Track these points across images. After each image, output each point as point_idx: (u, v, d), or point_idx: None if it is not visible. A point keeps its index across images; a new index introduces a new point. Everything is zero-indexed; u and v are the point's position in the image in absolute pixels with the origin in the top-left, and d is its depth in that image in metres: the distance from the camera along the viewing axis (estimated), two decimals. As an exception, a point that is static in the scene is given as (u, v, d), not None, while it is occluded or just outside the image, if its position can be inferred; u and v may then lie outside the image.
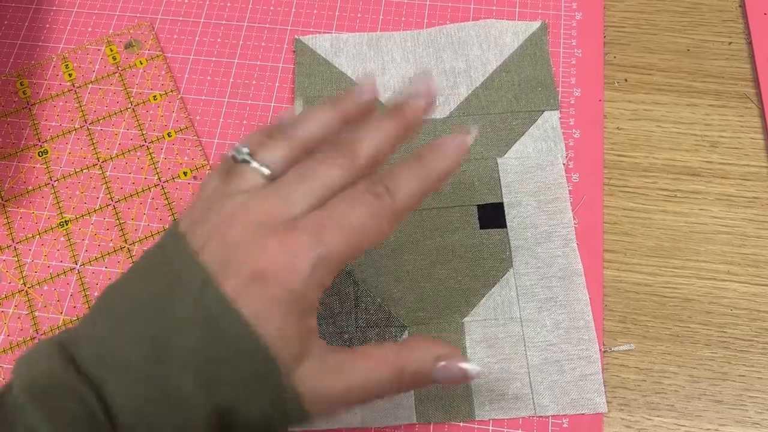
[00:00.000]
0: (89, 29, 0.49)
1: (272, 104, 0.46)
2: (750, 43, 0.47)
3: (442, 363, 0.30)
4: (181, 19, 0.50)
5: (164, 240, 0.29)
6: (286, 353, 0.27)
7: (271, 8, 0.50)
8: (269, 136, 0.30)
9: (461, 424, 0.38)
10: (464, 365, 0.30)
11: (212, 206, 0.28)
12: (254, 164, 0.29)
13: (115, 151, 0.45)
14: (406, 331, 0.40)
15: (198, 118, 0.46)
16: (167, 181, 0.44)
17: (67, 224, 0.43)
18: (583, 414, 0.38)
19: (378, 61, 0.47)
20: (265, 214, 0.27)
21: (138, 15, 0.50)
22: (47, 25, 0.50)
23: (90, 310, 0.29)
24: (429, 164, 0.30)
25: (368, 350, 0.30)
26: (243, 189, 0.29)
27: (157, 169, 0.45)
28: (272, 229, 0.27)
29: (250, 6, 0.50)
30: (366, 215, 0.28)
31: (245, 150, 0.29)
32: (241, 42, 0.49)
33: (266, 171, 0.29)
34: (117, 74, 0.48)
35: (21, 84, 0.48)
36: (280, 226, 0.27)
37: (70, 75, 0.48)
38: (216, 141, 0.45)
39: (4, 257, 0.43)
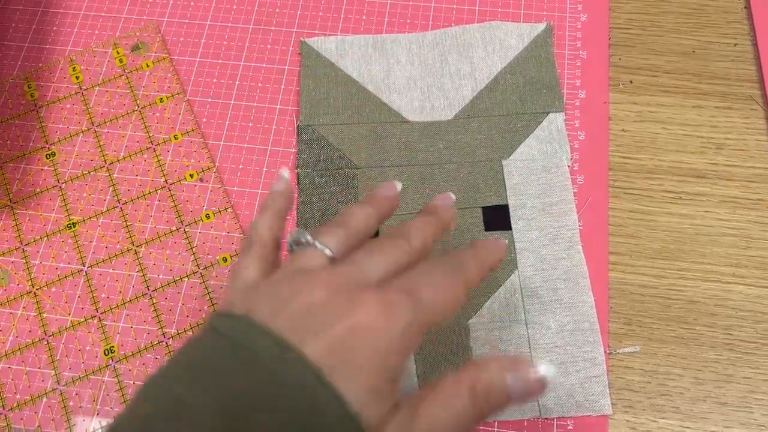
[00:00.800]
0: (96, 32, 0.50)
1: (278, 106, 0.47)
2: (755, 45, 0.47)
3: (514, 373, 0.27)
4: (187, 21, 0.50)
5: (214, 323, 0.26)
6: (375, 417, 0.25)
7: (277, 11, 0.50)
8: (326, 227, 0.30)
9: (466, 425, 0.38)
10: (538, 369, 0.27)
11: (275, 282, 0.27)
12: (318, 245, 0.28)
13: (122, 154, 0.46)
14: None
15: (204, 120, 0.46)
16: (174, 183, 0.45)
17: (74, 226, 0.44)
18: (588, 416, 0.38)
19: (383, 63, 0.47)
20: (344, 279, 0.27)
21: (144, 18, 0.50)
22: (54, 28, 0.50)
23: (130, 404, 0.25)
24: (484, 257, 0.32)
25: (442, 382, 0.27)
26: (309, 266, 0.28)
27: (164, 171, 0.45)
28: (358, 291, 0.26)
29: (255, 8, 0.50)
30: (448, 279, 0.28)
31: (307, 235, 0.29)
32: (246, 44, 0.49)
33: (329, 252, 0.28)
34: (124, 77, 0.48)
35: (28, 87, 0.48)
36: (365, 287, 0.26)
37: (77, 77, 0.48)
38: (222, 143, 0.46)
39: (12, 259, 0.43)
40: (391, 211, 0.33)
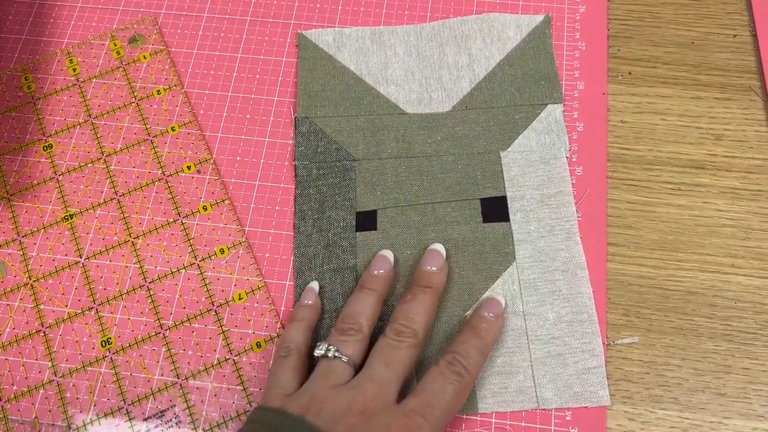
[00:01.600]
0: (93, 24, 0.50)
1: (275, 98, 0.46)
2: (755, 36, 0.47)
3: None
4: (184, 13, 0.50)
5: (268, 418, 0.34)
6: None
7: (274, 2, 0.50)
8: (343, 333, 0.37)
9: (464, 416, 0.38)
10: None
11: (324, 397, 0.34)
12: (344, 358, 0.36)
13: (119, 145, 0.45)
14: (409, 325, 0.40)
15: (201, 112, 0.46)
16: (171, 174, 0.44)
17: (71, 218, 0.44)
18: (586, 407, 0.38)
19: (381, 55, 0.47)
20: (373, 402, 0.33)
21: (142, 9, 0.50)
22: (51, 21, 0.50)
23: None
24: (486, 337, 0.37)
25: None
26: (338, 381, 0.35)
27: (161, 163, 0.45)
28: (387, 415, 0.33)
29: (253, 0, 0.50)
30: (455, 392, 0.35)
31: (333, 348, 0.36)
32: (244, 36, 0.49)
33: (349, 363, 0.36)
34: (121, 69, 0.48)
35: (26, 79, 0.48)
36: (393, 411, 0.33)
37: (74, 70, 0.48)
38: (219, 135, 0.46)
39: (9, 251, 0.43)
40: (391, 286, 0.40)
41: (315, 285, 0.41)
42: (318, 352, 0.36)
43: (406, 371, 0.36)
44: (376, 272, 0.39)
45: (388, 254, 0.40)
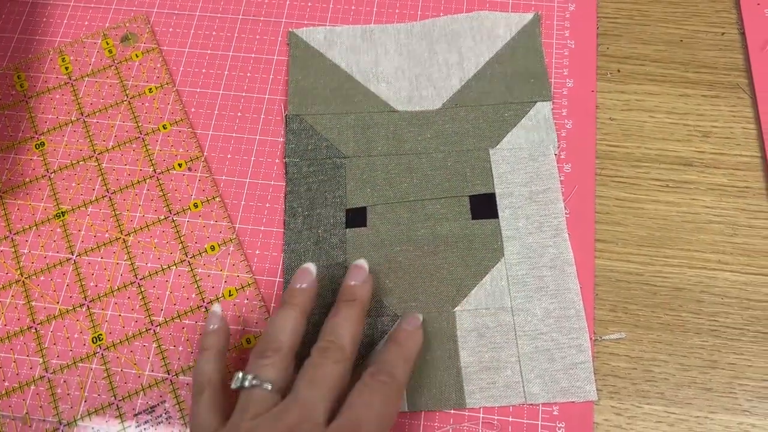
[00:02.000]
0: (86, 23, 0.50)
1: (266, 96, 0.47)
2: (743, 34, 0.47)
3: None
4: (176, 12, 0.50)
5: None
6: None
7: (266, 1, 0.50)
8: (261, 356, 0.34)
9: (452, 411, 0.38)
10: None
11: (246, 430, 0.32)
12: (263, 385, 0.33)
13: (111, 143, 0.46)
14: (398, 321, 0.40)
15: (193, 110, 0.47)
16: (162, 172, 0.45)
17: (63, 215, 0.44)
18: (573, 402, 0.38)
19: (371, 53, 0.48)
20: (300, 426, 0.31)
21: (134, 8, 0.50)
22: (44, 19, 0.50)
23: None
24: (406, 344, 0.37)
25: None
26: (260, 410, 0.32)
27: (153, 161, 0.45)
28: None
29: (244, -1, 0.50)
30: (382, 401, 0.33)
31: (249, 377, 0.33)
32: (235, 35, 0.49)
33: (270, 387, 0.33)
34: (113, 67, 0.48)
35: (18, 77, 0.48)
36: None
37: (66, 68, 0.48)
38: (210, 133, 0.46)
39: (1, 248, 0.43)
40: (315, 299, 0.38)
41: (217, 308, 0.39)
42: (234, 385, 0.34)
43: (335, 389, 0.34)
44: (297, 286, 0.37)
45: (311, 266, 0.38)
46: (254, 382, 0.33)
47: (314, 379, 0.33)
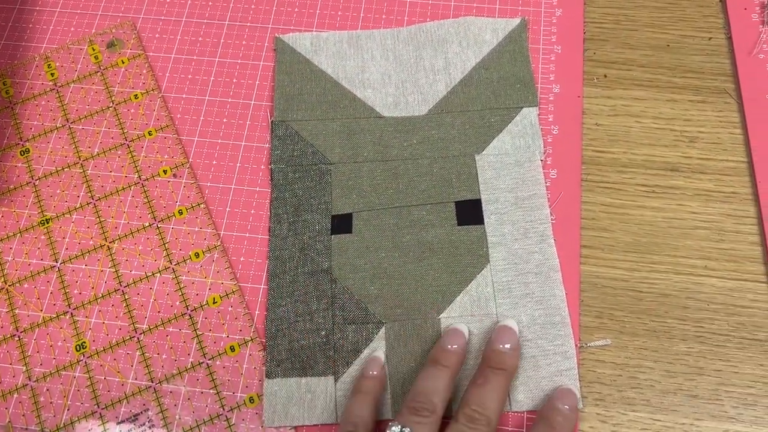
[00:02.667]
0: (72, 29, 0.50)
1: (252, 102, 0.47)
2: (730, 39, 0.47)
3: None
4: (163, 18, 0.50)
5: None
6: None
7: (253, 7, 0.50)
8: (417, 413, 0.35)
9: (436, 419, 0.38)
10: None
11: None
12: None
13: (96, 150, 0.46)
14: (383, 328, 0.40)
15: (179, 116, 0.46)
16: (147, 179, 0.45)
17: (48, 222, 0.44)
18: (558, 409, 0.38)
19: (358, 59, 0.47)
20: None
21: (120, 14, 0.50)
22: (30, 25, 0.50)
23: None
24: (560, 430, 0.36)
25: None
26: None
27: (138, 167, 0.45)
28: None
29: (231, 5, 0.50)
30: None
31: (408, 430, 0.34)
32: (222, 40, 0.49)
33: None
34: (99, 73, 0.48)
35: (3, 84, 0.48)
36: None
37: (52, 74, 0.48)
38: (196, 139, 0.46)
39: (-15, 255, 0.43)
40: (463, 362, 0.38)
41: (380, 354, 0.39)
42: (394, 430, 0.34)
43: None
44: (449, 347, 0.37)
45: (463, 328, 0.39)
46: None
47: None
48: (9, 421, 0.39)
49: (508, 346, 0.37)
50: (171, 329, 0.41)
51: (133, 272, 0.42)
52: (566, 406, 0.36)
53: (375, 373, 0.38)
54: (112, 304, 0.41)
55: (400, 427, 0.34)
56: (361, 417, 0.36)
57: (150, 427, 0.38)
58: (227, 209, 0.44)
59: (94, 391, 0.39)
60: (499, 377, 0.36)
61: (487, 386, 0.35)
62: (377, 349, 0.39)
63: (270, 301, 0.41)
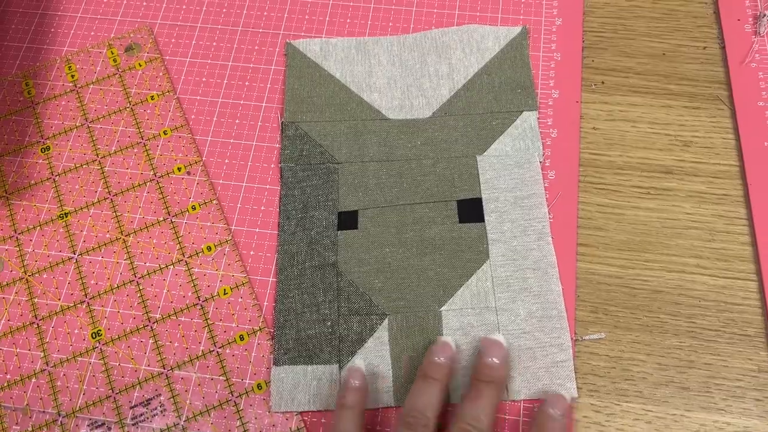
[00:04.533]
0: (92, 33, 0.52)
1: (263, 104, 0.49)
2: (723, 48, 0.49)
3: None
4: (179, 23, 0.52)
5: None
6: None
7: (265, 14, 0.52)
8: (410, 428, 0.36)
9: (437, 407, 0.40)
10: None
11: None
12: None
13: (113, 148, 0.48)
14: (386, 319, 0.42)
15: (193, 116, 0.49)
16: (162, 176, 0.46)
17: (66, 216, 0.46)
18: (554, 399, 0.39)
19: (365, 64, 0.49)
20: None
21: (138, 20, 0.52)
22: (52, 30, 0.52)
23: None
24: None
25: None
26: None
27: (153, 165, 0.47)
28: None
29: (244, 12, 0.52)
30: None
31: None
32: (235, 45, 0.51)
33: None
34: (117, 75, 0.50)
35: (26, 84, 0.50)
36: None
37: (72, 76, 0.50)
38: (209, 138, 0.48)
39: (6, 247, 0.45)
40: (452, 374, 0.39)
41: (360, 363, 0.40)
42: None
43: None
44: (437, 359, 0.38)
45: (450, 340, 0.39)
46: None
47: None
48: (27, 404, 0.41)
49: (497, 360, 0.38)
50: (183, 319, 0.42)
51: (147, 264, 0.44)
52: (558, 412, 0.37)
53: (357, 384, 0.38)
54: (127, 294, 0.43)
55: None
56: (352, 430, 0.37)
57: (162, 412, 0.40)
58: (238, 205, 0.45)
59: (108, 376, 0.41)
60: (491, 390, 0.37)
61: (479, 401, 0.36)
62: (357, 357, 0.41)
63: (278, 292, 0.43)
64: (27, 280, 0.44)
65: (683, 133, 0.47)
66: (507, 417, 0.39)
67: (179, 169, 0.47)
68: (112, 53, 0.51)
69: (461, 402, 0.37)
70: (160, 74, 0.50)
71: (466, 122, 0.47)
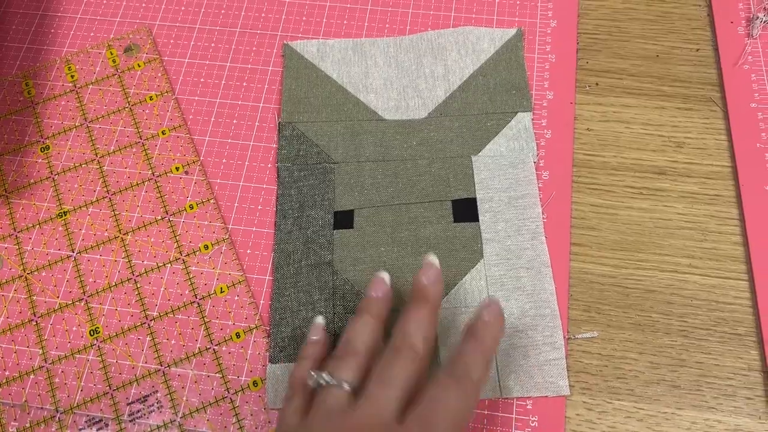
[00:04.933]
0: (91, 34, 0.52)
1: (261, 105, 0.49)
2: (716, 50, 0.49)
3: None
4: (177, 24, 0.53)
5: None
6: None
7: (263, 15, 0.52)
8: (339, 359, 0.35)
9: (430, 404, 0.40)
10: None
11: (317, 427, 0.33)
12: (339, 384, 0.34)
13: (112, 148, 0.48)
14: (381, 318, 0.42)
15: (191, 117, 0.49)
16: (160, 175, 0.47)
17: (65, 215, 0.46)
18: (546, 396, 0.40)
19: (362, 65, 0.50)
20: (366, 424, 0.32)
21: (137, 21, 0.53)
22: (52, 30, 0.53)
23: None
24: (484, 339, 0.35)
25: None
26: (333, 407, 0.33)
27: (151, 164, 0.47)
28: None
29: (242, 13, 0.53)
30: (457, 398, 0.33)
31: (325, 375, 0.34)
32: (233, 46, 0.51)
33: (347, 387, 0.34)
34: (116, 76, 0.51)
35: (26, 85, 0.51)
36: (391, 430, 0.31)
37: (72, 77, 0.51)
38: (207, 138, 0.48)
39: (5, 245, 0.45)
40: (389, 309, 0.39)
41: (320, 320, 0.41)
42: (310, 382, 0.35)
43: (407, 388, 0.34)
44: (373, 294, 0.39)
45: (385, 275, 0.40)
46: (331, 380, 0.34)
47: (385, 377, 0.34)
48: (25, 401, 0.41)
49: (429, 280, 0.37)
50: (180, 316, 0.43)
51: (145, 262, 0.44)
52: (490, 316, 0.36)
53: (317, 338, 0.39)
54: (124, 292, 0.44)
55: (317, 372, 0.34)
56: (300, 379, 0.36)
57: (158, 408, 0.41)
58: (235, 204, 0.46)
59: (106, 373, 0.42)
60: (422, 307, 0.36)
61: (409, 316, 0.36)
62: (317, 316, 0.41)
63: (274, 291, 0.43)
64: (26, 277, 0.44)
65: (676, 134, 0.47)
66: (500, 414, 0.40)
67: (177, 168, 0.47)
68: (112, 54, 0.51)
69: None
70: (159, 75, 0.50)
71: (461, 123, 0.47)
